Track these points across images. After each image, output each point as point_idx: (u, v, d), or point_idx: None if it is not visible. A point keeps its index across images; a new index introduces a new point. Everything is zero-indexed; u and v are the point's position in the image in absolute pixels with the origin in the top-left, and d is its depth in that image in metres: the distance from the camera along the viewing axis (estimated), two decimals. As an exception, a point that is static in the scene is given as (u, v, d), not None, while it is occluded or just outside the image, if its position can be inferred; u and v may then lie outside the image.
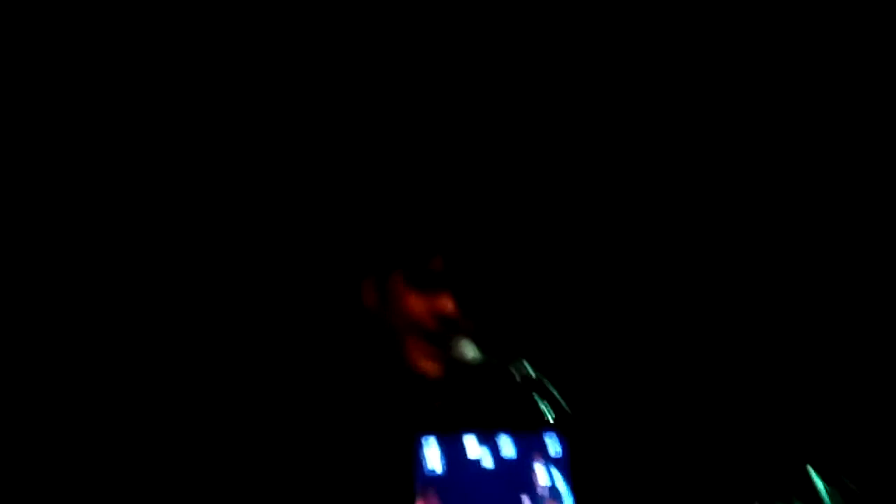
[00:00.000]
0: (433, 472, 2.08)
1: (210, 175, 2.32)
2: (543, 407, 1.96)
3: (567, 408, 2.07)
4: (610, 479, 2.06)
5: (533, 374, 1.93)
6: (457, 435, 2.12)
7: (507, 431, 2.12)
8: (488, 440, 2.11)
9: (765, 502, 1.66)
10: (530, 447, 2.11)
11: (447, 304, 1.99)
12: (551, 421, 1.98)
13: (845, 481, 1.60)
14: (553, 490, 2.09)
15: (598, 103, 2.21)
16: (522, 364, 1.96)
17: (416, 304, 2.00)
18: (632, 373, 2.15)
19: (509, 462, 2.10)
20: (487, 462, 2.09)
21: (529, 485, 2.09)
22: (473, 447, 2.10)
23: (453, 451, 2.10)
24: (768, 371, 2.11)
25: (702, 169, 2.16)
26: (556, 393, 1.93)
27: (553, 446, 2.11)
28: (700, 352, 2.14)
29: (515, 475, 2.10)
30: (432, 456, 2.09)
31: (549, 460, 2.11)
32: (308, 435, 1.96)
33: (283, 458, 1.96)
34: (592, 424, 2.13)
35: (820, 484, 1.62)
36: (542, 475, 2.10)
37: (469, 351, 1.95)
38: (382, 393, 2.02)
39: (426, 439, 2.10)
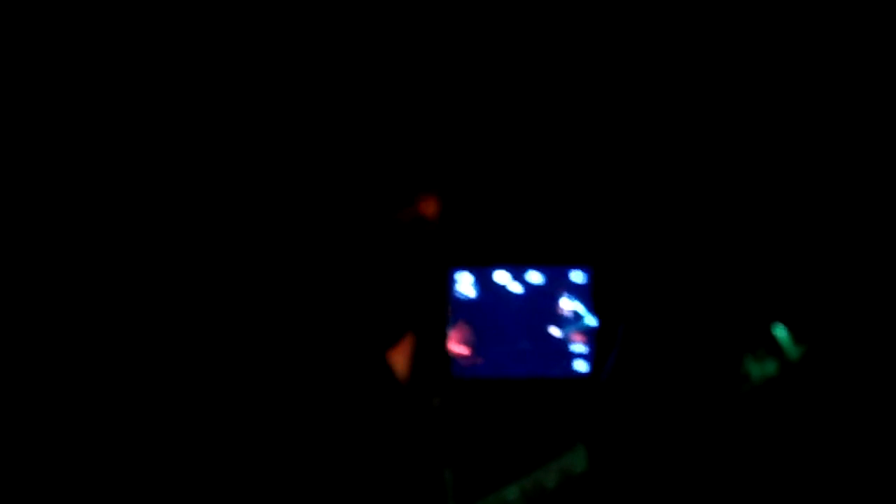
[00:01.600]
0: (465, 296, 2.28)
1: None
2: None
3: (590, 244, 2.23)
4: (627, 307, 2.22)
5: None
6: (487, 268, 2.30)
7: (534, 265, 2.29)
8: (517, 272, 2.29)
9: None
10: (556, 278, 2.29)
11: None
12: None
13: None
14: (576, 315, 2.27)
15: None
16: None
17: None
18: (647, 212, 2.28)
19: (536, 290, 2.29)
20: (515, 288, 2.28)
21: (554, 310, 2.28)
22: (503, 278, 2.29)
23: (484, 282, 2.29)
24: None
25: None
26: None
27: (577, 277, 2.28)
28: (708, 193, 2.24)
29: (541, 302, 2.29)
30: (465, 285, 2.29)
31: (572, 290, 2.28)
32: (345, 276, 2.13)
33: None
34: (613, 257, 2.28)
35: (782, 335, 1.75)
36: (567, 302, 2.28)
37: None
38: (415, 232, 2.18)
39: (459, 272, 2.30)
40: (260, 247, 2.31)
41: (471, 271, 2.28)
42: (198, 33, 2.33)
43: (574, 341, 2.26)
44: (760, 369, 1.80)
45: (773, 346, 1.79)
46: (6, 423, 2.20)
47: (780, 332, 1.78)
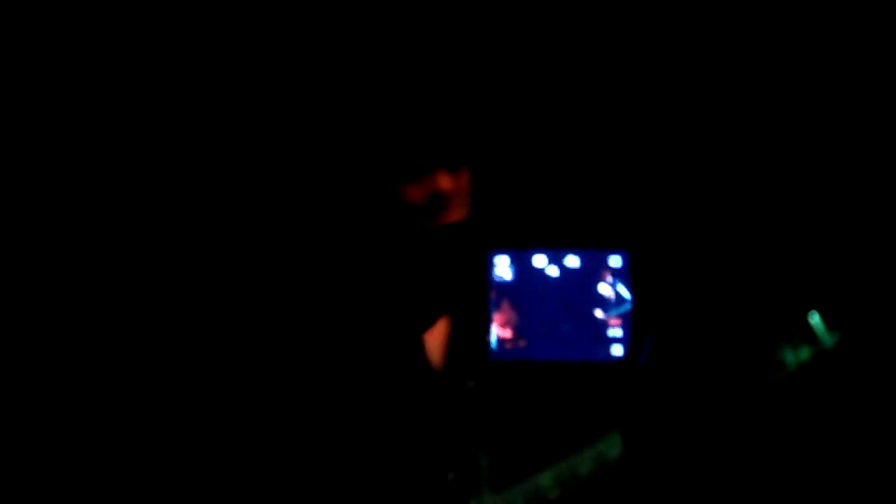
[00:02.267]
0: (502, 279, 2.30)
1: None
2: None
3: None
4: (665, 291, 2.23)
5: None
6: (526, 251, 2.32)
7: (572, 249, 2.31)
8: (555, 256, 2.31)
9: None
10: (594, 262, 2.30)
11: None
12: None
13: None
14: (616, 297, 2.29)
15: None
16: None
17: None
18: (686, 196, 2.29)
19: (574, 273, 2.30)
20: (553, 272, 2.30)
21: (594, 293, 2.29)
22: (541, 261, 2.30)
23: (522, 264, 2.31)
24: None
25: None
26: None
27: (615, 261, 2.29)
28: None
29: (580, 285, 2.30)
30: (503, 268, 2.31)
31: (612, 273, 2.29)
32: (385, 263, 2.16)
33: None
34: (651, 242, 2.29)
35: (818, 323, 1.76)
36: (606, 287, 2.29)
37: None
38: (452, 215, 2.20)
39: (497, 255, 2.32)
40: (295, 226, 2.34)
41: (508, 254, 2.30)
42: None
43: (611, 325, 2.28)
44: (795, 356, 1.81)
45: (808, 334, 1.80)
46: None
47: (816, 319, 1.80)
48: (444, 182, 2.07)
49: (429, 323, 2.18)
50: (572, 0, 2.23)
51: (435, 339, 2.19)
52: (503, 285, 2.29)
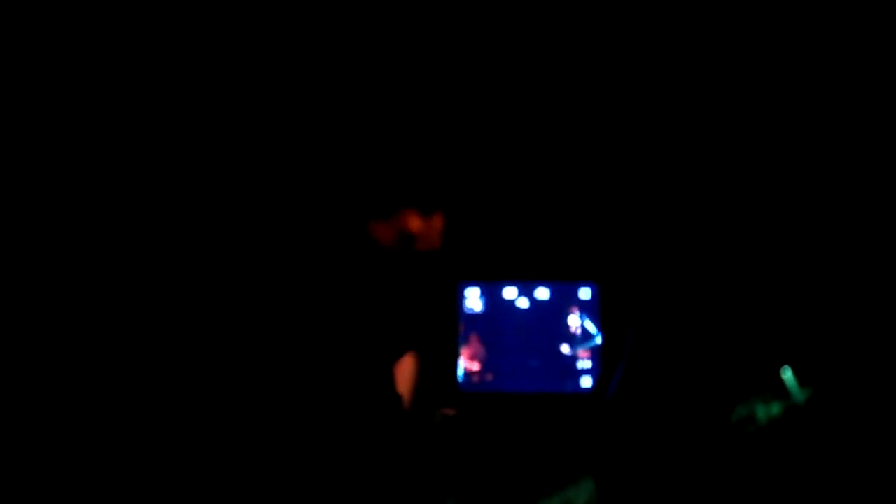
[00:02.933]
0: (472, 310, 2.30)
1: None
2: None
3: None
4: (634, 323, 2.24)
5: None
6: (496, 283, 2.32)
7: (542, 281, 2.31)
8: (525, 288, 2.31)
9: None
10: (564, 295, 2.31)
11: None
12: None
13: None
14: (583, 331, 2.30)
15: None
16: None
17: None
18: (655, 228, 2.29)
19: (544, 306, 2.31)
20: (523, 304, 2.30)
21: (563, 326, 2.30)
22: (511, 293, 2.31)
23: (492, 296, 2.31)
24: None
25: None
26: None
27: (584, 294, 2.30)
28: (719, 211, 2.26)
29: (550, 318, 2.31)
30: (473, 300, 2.31)
31: (580, 306, 2.30)
32: (355, 290, 2.15)
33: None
34: (619, 274, 2.29)
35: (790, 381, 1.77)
36: (574, 319, 2.30)
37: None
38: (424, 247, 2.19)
39: (468, 287, 2.31)
40: (269, 256, 2.32)
41: (479, 286, 2.30)
42: (198, 33, 2.31)
43: (580, 358, 2.29)
44: (766, 411, 1.83)
45: (780, 389, 1.81)
46: (6, 423, 2.22)
47: (788, 374, 1.81)
48: (414, 223, 2.05)
49: (398, 354, 2.18)
50: (537, 37, 2.22)
51: (404, 373, 2.18)
52: (473, 317, 2.30)
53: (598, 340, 2.27)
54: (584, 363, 2.29)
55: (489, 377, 2.29)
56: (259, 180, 2.36)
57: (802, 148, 2.22)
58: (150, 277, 2.36)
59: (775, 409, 1.82)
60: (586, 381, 2.29)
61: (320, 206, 2.21)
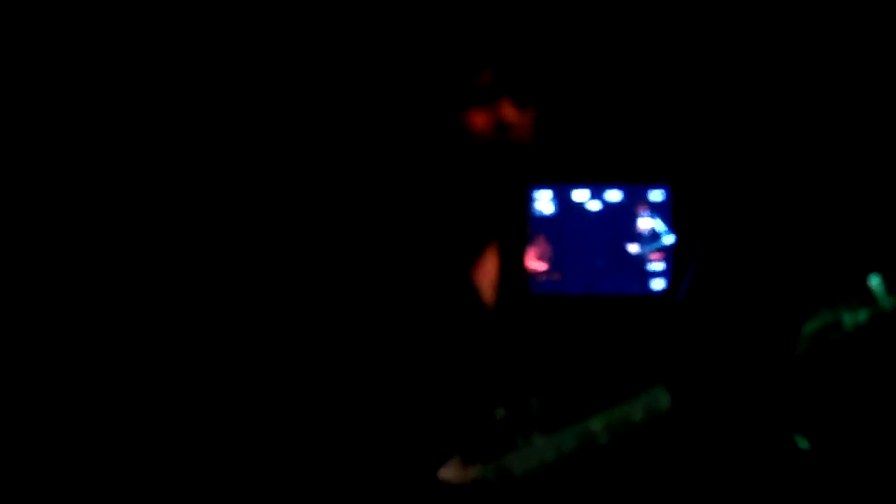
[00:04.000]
0: (542, 213, 2.27)
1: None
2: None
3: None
4: (707, 226, 2.21)
5: None
6: (566, 185, 2.28)
7: (613, 184, 2.28)
8: (597, 191, 2.27)
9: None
10: (635, 196, 2.27)
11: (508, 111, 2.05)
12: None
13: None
14: (654, 234, 2.27)
15: None
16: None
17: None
18: (733, 132, 2.25)
19: (614, 207, 2.27)
20: (594, 206, 2.27)
21: (634, 228, 2.27)
22: (582, 195, 2.27)
23: (562, 199, 2.28)
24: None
25: None
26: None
27: (656, 195, 2.27)
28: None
29: (620, 220, 2.28)
30: (543, 202, 2.28)
31: (652, 208, 2.27)
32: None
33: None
34: (693, 177, 2.26)
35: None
36: (646, 221, 2.27)
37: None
38: (494, 149, 2.17)
39: (537, 190, 2.28)
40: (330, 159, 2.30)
41: (549, 188, 2.27)
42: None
43: (652, 260, 2.26)
44: (853, 318, 1.81)
45: (867, 295, 1.79)
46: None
47: (876, 282, 1.79)
48: (510, 113, 2.02)
49: (473, 257, 2.16)
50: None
51: (483, 277, 2.17)
52: (543, 220, 2.27)
53: (668, 240, 2.24)
54: (657, 265, 2.26)
55: (556, 277, 2.27)
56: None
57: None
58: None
59: (862, 315, 1.80)
60: (658, 284, 2.26)
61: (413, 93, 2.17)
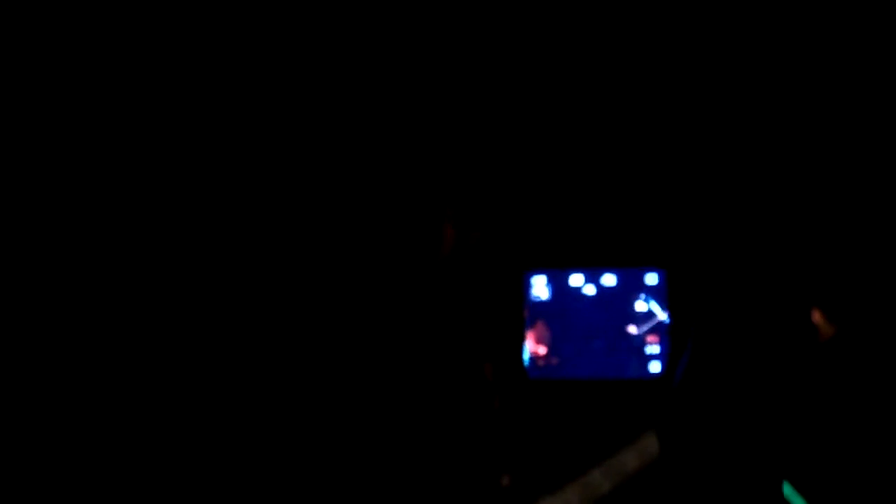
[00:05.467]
0: (539, 298, 2.32)
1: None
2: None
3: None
4: (701, 307, 2.25)
5: None
6: (562, 271, 2.33)
7: (608, 268, 2.32)
8: (592, 275, 2.32)
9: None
10: (630, 280, 2.32)
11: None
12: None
13: None
14: (649, 314, 2.30)
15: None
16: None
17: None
18: (721, 215, 2.29)
19: (610, 291, 2.32)
20: (590, 291, 2.32)
21: (629, 311, 2.31)
22: (577, 280, 2.32)
23: (559, 284, 2.33)
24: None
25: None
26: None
27: (651, 279, 2.31)
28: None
29: (616, 304, 2.32)
30: (539, 288, 2.32)
31: (647, 291, 2.31)
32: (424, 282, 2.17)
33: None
34: (687, 259, 2.30)
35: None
36: (640, 303, 2.31)
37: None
38: (493, 235, 2.22)
39: (534, 275, 2.33)
40: (327, 248, 2.35)
41: (545, 274, 2.32)
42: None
43: (648, 343, 2.29)
44: None
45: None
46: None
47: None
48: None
49: (472, 342, 2.20)
50: (592, 19, 2.23)
51: (485, 360, 2.20)
52: (539, 305, 2.31)
53: (663, 318, 2.27)
54: (653, 348, 2.29)
55: (554, 361, 2.30)
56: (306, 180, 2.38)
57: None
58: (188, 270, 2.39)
59: None
60: (655, 367, 2.29)
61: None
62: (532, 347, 2.31)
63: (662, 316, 2.28)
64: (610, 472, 1.87)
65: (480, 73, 2.29)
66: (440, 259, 2.07)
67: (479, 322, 2.20)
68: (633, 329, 2.30)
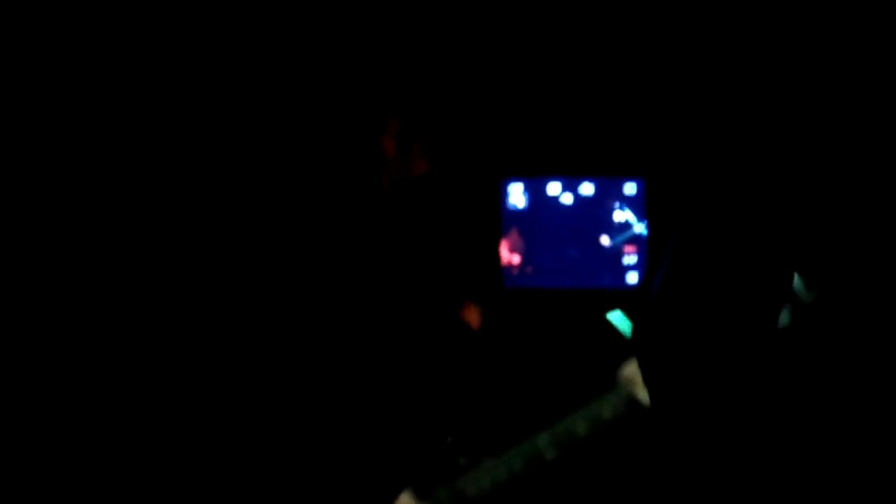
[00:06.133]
0: (515, 207, 2.26)
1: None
2: None
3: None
4: (680, 218, 2.20)
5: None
6: (540, 178, 2.27)
7: (587, 177, 2.26)
8: (570, 184, 2.26)
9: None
10: (608, 189, 2.26)
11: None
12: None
13: None
14: (626, 225, 2.26)
15: None
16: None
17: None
18: (703, 124, 2.23)
19: (588, 200, 2.26)
20: (567, 199, 2.26)
21: (606, 220, 2.26)
22: (555, 188, 2.26)
23: (536, 192, 2.26)
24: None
25: None
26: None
27: (629, 188, 2.25)
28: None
29: (593, 213, 2.26)
30: (516, 196, 2.26)
31: (625, 200, 2.25)
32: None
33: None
34: (668, 169, 2.24)
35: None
36: (618, 213, 2.26)
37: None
38: (468, 139, 2.16)
39: (510, 183, 2.27)
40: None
41: (522, 182, 2.25)
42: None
43: (626, 253, 2.25)
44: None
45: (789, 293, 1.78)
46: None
47: (795, 279, 1.78)
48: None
49: (445, 250, 2.16)
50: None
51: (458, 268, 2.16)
52: (515, 213, 2.25)
53: (639, 230, 2.22)
54: (630, 258, 2.25)
55: (529, 271, 2.26)
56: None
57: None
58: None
59: (785, 317, 1.80)
60: (632, 277, 2.25)
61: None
62: (506, 257, 2.26)
63: (639, 227, 2.23)
64: (558, 438, 1.86)
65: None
66: (385, 181, 2.02)
67: (456, 229, 2.16)
68: (605, 240, 2.25)
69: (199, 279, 2.29)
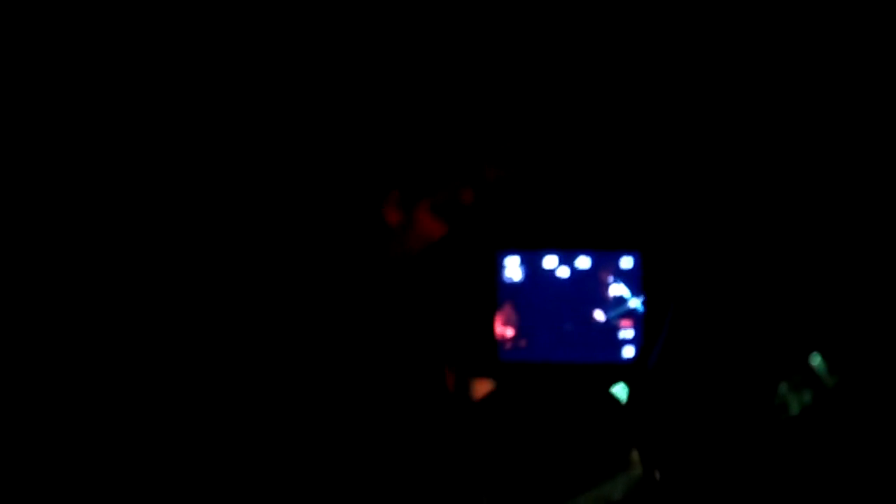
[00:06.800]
0: (511, 280, 2.26)
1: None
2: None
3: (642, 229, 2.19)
4: (676, 292, 2.19)
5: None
6: (536, 251, 2.27)
7: (583, 250, 2.26)
8: (566, 257, 2.26)
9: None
10: (605, 262, 2.26)
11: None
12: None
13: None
14: (621, 300, 2.25)
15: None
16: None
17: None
18: (699, 199, 2.24)
19: (584, 274, 2.26)
20: (563, 273, 2.25)
21: (601, 295, 2.26)
22: (551, 262, 2.26)
23: (532, 265, 2.26)
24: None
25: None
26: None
27: (626, 263, 2.25)
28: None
29: (589, 286, 2.26)
30: (512, 269, 2.26)
31: (620, 275, 2.25)
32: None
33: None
34: (664, 243, 2.24)
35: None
36: (614, 288, 2.25)
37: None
38: (464, 214, 2.16)
39: (506, 256, 2.27)
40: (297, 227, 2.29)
41: (518, 254, 2.25)
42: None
43: (621, 327, 2.24)
44: (799, 399, 1.79)
45: (810, 374, 1.77)
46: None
47: (817, 361, 1.77)
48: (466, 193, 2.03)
49: (441, 322, 2.15)
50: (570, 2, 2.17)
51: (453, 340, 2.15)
52: (512, 286, 2.25)
53: (634, 304, 2.22)
54: (626, 332, 2.24)
55: (523, 344, 2.26)
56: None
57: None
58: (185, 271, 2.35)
59: (807, 396, 1.79)
60: (628, 351, 2.24)
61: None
62: (500, 330, 2.26)
63: (635, 302, 2.22)
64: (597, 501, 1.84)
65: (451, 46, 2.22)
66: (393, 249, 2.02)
67: (452, 301, 2.16)
68: (599, 314, 2.24)
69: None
